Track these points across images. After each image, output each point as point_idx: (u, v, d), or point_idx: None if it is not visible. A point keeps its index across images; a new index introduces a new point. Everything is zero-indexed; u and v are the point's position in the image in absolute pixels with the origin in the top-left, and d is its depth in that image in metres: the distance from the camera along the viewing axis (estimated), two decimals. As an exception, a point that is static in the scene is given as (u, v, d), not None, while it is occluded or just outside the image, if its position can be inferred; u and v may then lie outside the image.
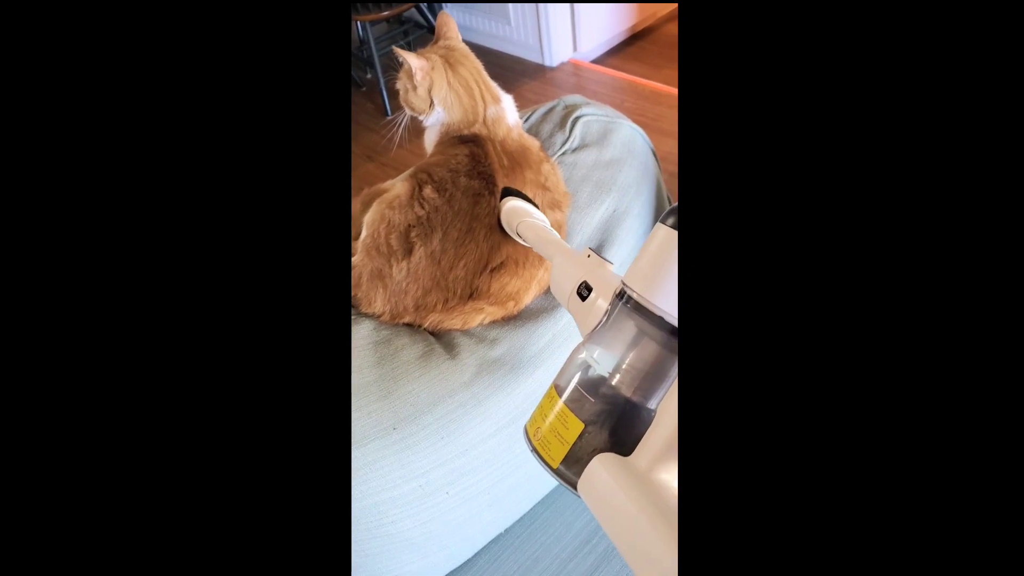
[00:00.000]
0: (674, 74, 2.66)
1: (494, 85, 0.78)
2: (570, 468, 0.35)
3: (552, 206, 0.72)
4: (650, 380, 0.35)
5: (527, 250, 0.68)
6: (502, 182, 0.69)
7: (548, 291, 0.72)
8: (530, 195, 0.70)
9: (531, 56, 2.75)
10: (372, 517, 0.63)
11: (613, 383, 0.35)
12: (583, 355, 0.37)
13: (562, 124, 0.83)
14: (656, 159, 0.87)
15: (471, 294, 0.69)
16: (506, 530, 0.78)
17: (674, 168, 2.07)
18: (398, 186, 0.73)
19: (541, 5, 2.54)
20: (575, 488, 0.35)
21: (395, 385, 0.62)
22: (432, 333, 0.69)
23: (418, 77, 0.79)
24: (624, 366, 0.35)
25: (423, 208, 0.68)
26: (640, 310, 0.34)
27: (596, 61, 2.81)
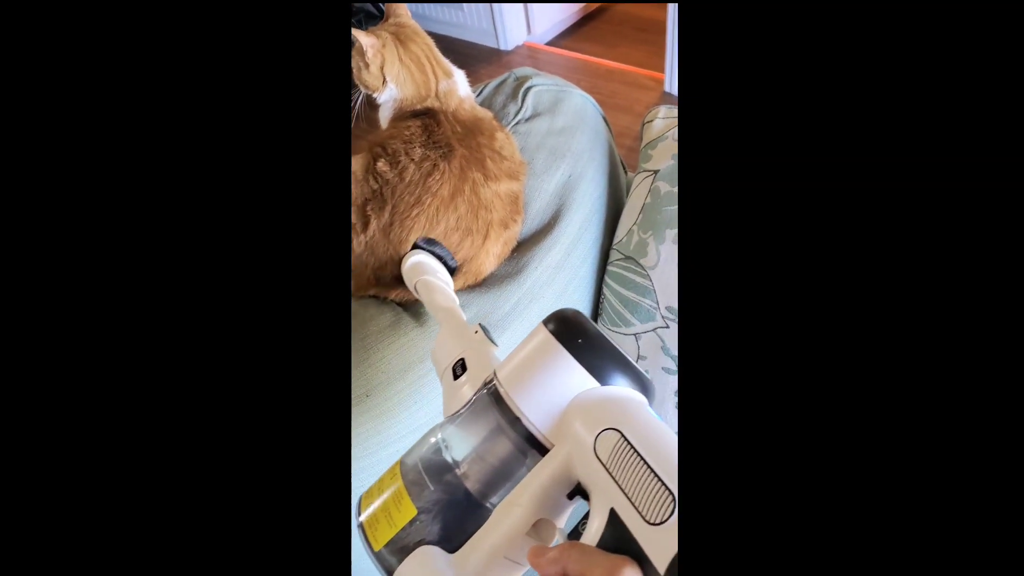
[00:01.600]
0: (628, 51, 2.69)
1: (445, 60, 0.79)
2: (392, 554, 0.33)
3: (509, 175, 0.74)
4: (496, 477, 0.33)
5: (476, 222, 0.70)
6: (457, 148, 0.70)
7: (510, 258, 0.74)
8: (488, 163, 0.72)
9: (486, 41, 2.75)
10: (352, 484, 0.65)
11: (459, 472, 0.33)
12: (437, 436, 0.36)
13: (514, 95, 0.85)
14: (608, 125, 0.89)
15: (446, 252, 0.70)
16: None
17: (631, 143, 2.09)
18: (353, 161, 0.74)
19: (492, -11, 2.54)
20: None
21: (366, 354, 0.64)
22: (399, 304, 0.70)
23: (369, 55, 0.79)
24: (473, 457, 0.33)
25: (376, 182, 0.69)
26: (502, 405, 0.33)
27: (550, 43, 2.83)
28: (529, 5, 2.67)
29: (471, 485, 0.33)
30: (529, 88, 0.84)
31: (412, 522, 0.33)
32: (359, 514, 0.35)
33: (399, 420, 0.65)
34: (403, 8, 0.81)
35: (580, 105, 0.85)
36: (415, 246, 0.64)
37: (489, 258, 0.72)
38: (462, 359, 0.41)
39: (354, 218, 0.68)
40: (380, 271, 0.68)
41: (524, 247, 0.75)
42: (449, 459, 0.34)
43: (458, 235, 0.69)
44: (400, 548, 0.33)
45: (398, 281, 0.68)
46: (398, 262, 0.67)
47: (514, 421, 0.32)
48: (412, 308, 0.70)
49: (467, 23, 2.75)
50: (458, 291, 0.71)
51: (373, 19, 2.68)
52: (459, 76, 0.79)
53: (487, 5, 2.61)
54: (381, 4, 2.52)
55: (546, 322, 0.34)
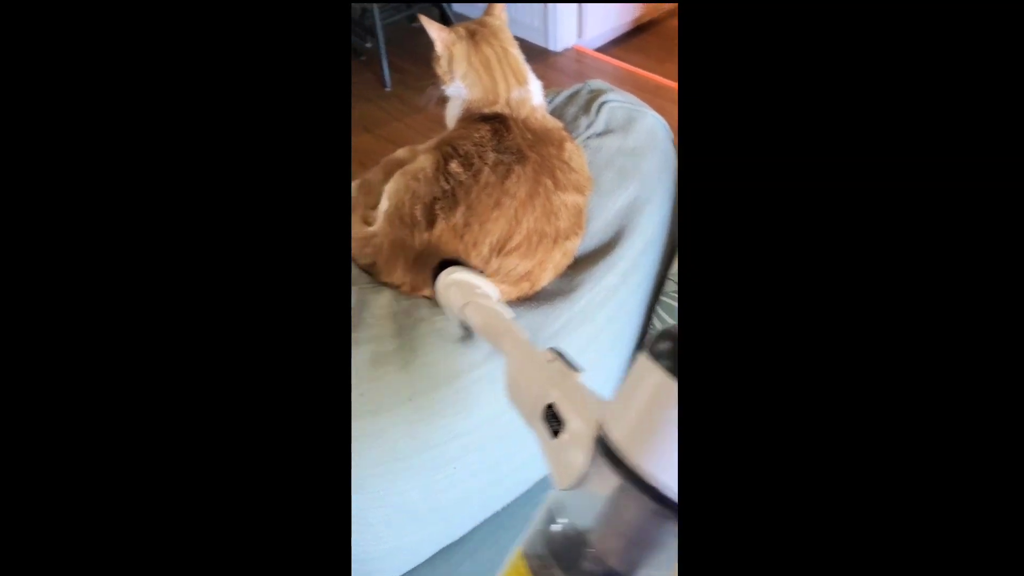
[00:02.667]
0: (675, 68, 2.66)
1: (524, 67, 0.78)
2: None
3: (576, 187, 0.72)
4: (639, 549, 0.28)
5: (540, 233, 0.68)
6: (529, 154, 0.68)
7: (565, 274, 0.72)
8: (557, 172, 0.70)
9: (535, 39, 2.73)
10: (380, 486, 0.63)
11: (593, 550, 0.29)
12: (556, 517, 0.31)
13: (587, 108, 0.83)
14: (675, 151, 0.87)
15: (481, 272, 0.69)
16: (504, 507, 0.79)
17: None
18: (421, 158, 0.72)
19: (549, -12, 2.52)
20: None
21: (414, 356, 0.62)
22: (450, 307, 0.69)
23: (438, 48, 0.78)
24: (606, 531, 0.29)
25: (448, 182, 0.68)
26: (625, 469, 0.27)
27: (600, 50, 2.80)
28: (583, 8, 2.64)
29: (615, 563, 0.28)
30: (603, 103, 0.82)
31: None
32: None
33: (437, 427, 0.63)
34: (499, 8, 0.79)
35: (652, 127, 0.83)
36: (443, 264, 0.58)
37: (548, 270, 0.70)
38: (550, 405, 0.35)
39: (419, 215, 0.66)
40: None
41: (581, 264, 0.73)
42: (579, 540, 0.29)
43: (536, 238, 0.67)
44: None
45: None
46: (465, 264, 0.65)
47: (646, 487, 0.27)
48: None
49: (518, 18, 2.72)
50: (512, 302, 0.69)
51: (424, 1, 2.66)
52: (534, 85, 0.78)
53: (542, 5, 2.59)
54: (444, 4, 2.50)
55: (658, 356, 0.28)
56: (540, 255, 0.69)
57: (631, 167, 0.78)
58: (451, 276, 0.56)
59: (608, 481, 0.28)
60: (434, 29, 0.76)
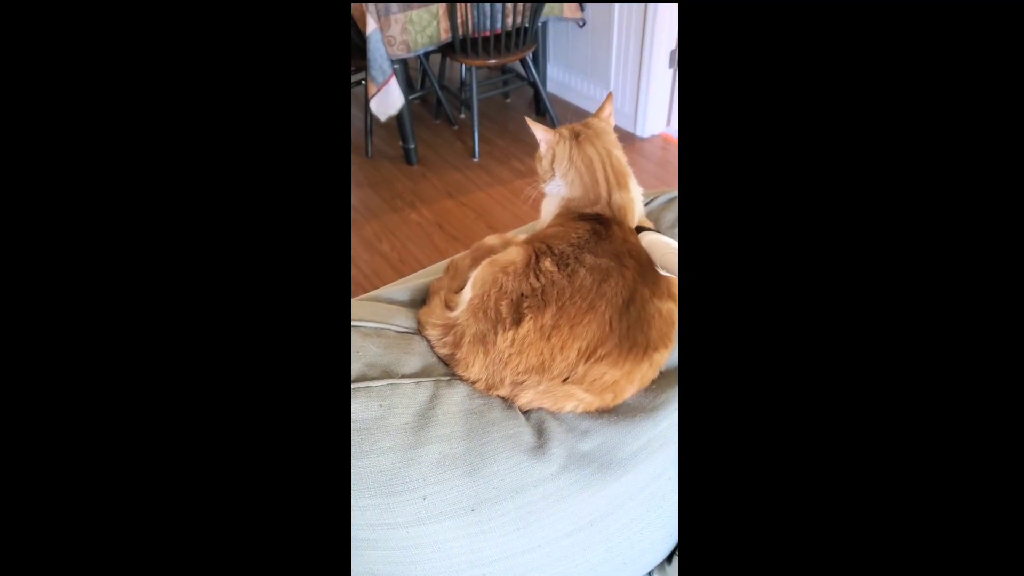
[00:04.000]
0: (764, 165, 2.62)
1: (627, 171, 0.77)
2: None
3: (671, 296, 0.68)
4: None
5: (632, 341, 0.64)
6: (628, 261, 0.66)
7: (649, 388, 0.68)
8: (657, 279, 0.67)
9: (624, 124, 2.77)
10: (428, 598, 0.59)
11: None
12: None
13: (686, 215, 0.80)
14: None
15: (567, 377, 0.66)
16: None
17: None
18: (513, 251, 0.71)
19: (644, 76, 2.57)
20: None
21: (481, 463, 0.59)
22: (523, 412, 0.65)
23: (542, 148, 0.79)
24: None
25: (539, 280, 0.66)
26: None
27: (687, 139, 2.81)
28: (675, 98, 2.68)
29: None
30: (704, 212, 0.80)
31: None
32: None
33: (496, 543, 0.59)
34: (607, 110, 0.80)
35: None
36: (639, 229, 0.69)
37: (634, 382, 0.66)
38: None
39: (505, 311, 0.64)
40: (523, 375, 0.63)
41: (665, 381, 0.69)
42: None
43: (627, 346, 0.64)
44: None
45: (539, 385, 0.64)
46: (549, 368, 0.62)
47: None
48: (534, 420, 0.64)
49: (610, 103, 2.78)
50: (591, 413, 0.65)
51: (521, 80, 2.77)
52: (636, 192, 0.76)
53: (635, 90, 2.64)
54: (532, 67, 2.60)
55: None
56: (628, 366, 0.65)
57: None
58: (647, 236, 0.69)
59: None
60: (539, 130, 0.78)
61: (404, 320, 0.70)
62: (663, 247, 0.63)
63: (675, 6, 2.39)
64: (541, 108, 2.80)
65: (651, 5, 2.37)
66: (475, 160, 2.56)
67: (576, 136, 0.78)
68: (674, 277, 0.64)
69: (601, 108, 0.81)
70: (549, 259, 0.67)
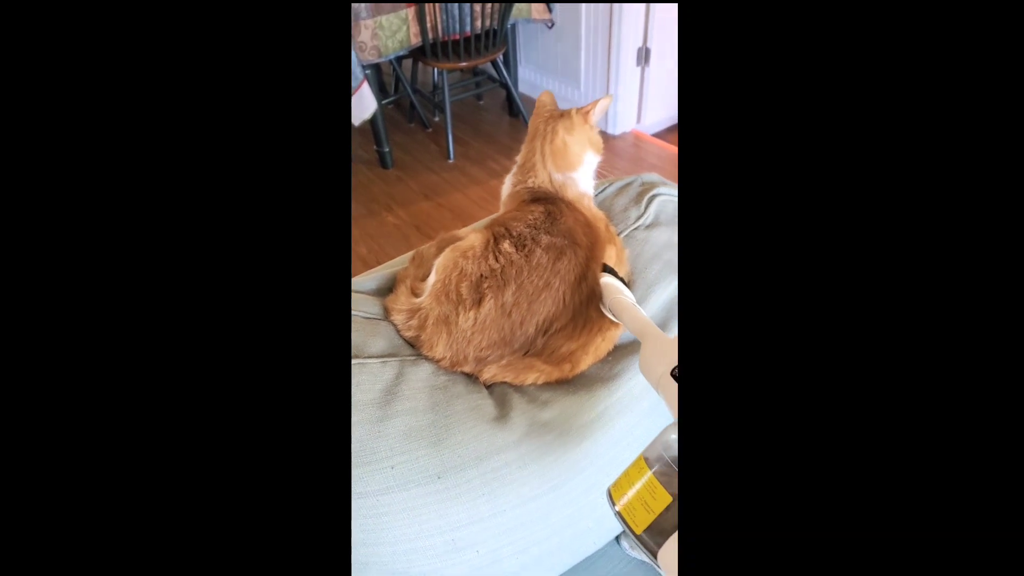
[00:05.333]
0: (733, 158, 2.68)
1: (568, 159, 0.80)
2: (652, 538, 0.38)
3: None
4: None
5: (586, 315, 0.69)
6: (581, 240, 0.70)
7: (605, 360, 0.72)
8: (605, 260, 0.71)
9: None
10: (400, 564, 0.62)
11: None
12: (674, 435, 0.40)
13: (637, 200, 0.85)
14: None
15: (528, 351, 0.70)
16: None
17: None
18: (472, 236, 0.75)
19: (613, 75, 2.62)
20: (655, 556, 0.37)
21: (446, 433, 0.62)
22: (486, 386, 0.69)
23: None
24: None
25: (498, 261, 0.70)
26: None
27: (657, 135, 2.87)
28: (644, 95, 2.74)
29: None
30: (654, 196, 0.84)
31: (669, 507, 0.38)
32: (613, 504, 0.42)
33: (462, 509, 0.62)
34: (587, 108, 0.83)
35: (702, 221, 0.84)
36: (604, 269, 0.71)
37: (589, 353, 0.70)
38: (675, 368, 0.47)
39: (465, 292, 0.68)
40: (486, 350, 0.67)
41: (621, 353, 0.73)
42: None
43: (581, 320, 0.68)
44: (660, 531, 0.37)
45: (501, 359, 0.68)
46: (510, 342, 0.66)
47: None
48: (497, 393, 0.68)
49: (582, 102, 2.84)
50: (551, 383, 0.69)
51: (492, 83, 2.81)
52: (581, 173, 0.80)
53: (604, 89, 2.70)
54: (503, 69, 2.64)
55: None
56: (583, 337, 0.69)
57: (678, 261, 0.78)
58: (603, 279, 0.70)
59: None
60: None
61: (371, 307, 0.73)
62: (614, 292, 0.67)
63: (641, 5, 2.45)
64: (514, 109, 2.85)
65: (616, 5, 2.43)
66: (450, 162, 2.59)
67: (551, 115, 0.82)
68: (617, 321, 0.67)
69: (589, 104, 0.85)
70: (508, 241, 0.70)
